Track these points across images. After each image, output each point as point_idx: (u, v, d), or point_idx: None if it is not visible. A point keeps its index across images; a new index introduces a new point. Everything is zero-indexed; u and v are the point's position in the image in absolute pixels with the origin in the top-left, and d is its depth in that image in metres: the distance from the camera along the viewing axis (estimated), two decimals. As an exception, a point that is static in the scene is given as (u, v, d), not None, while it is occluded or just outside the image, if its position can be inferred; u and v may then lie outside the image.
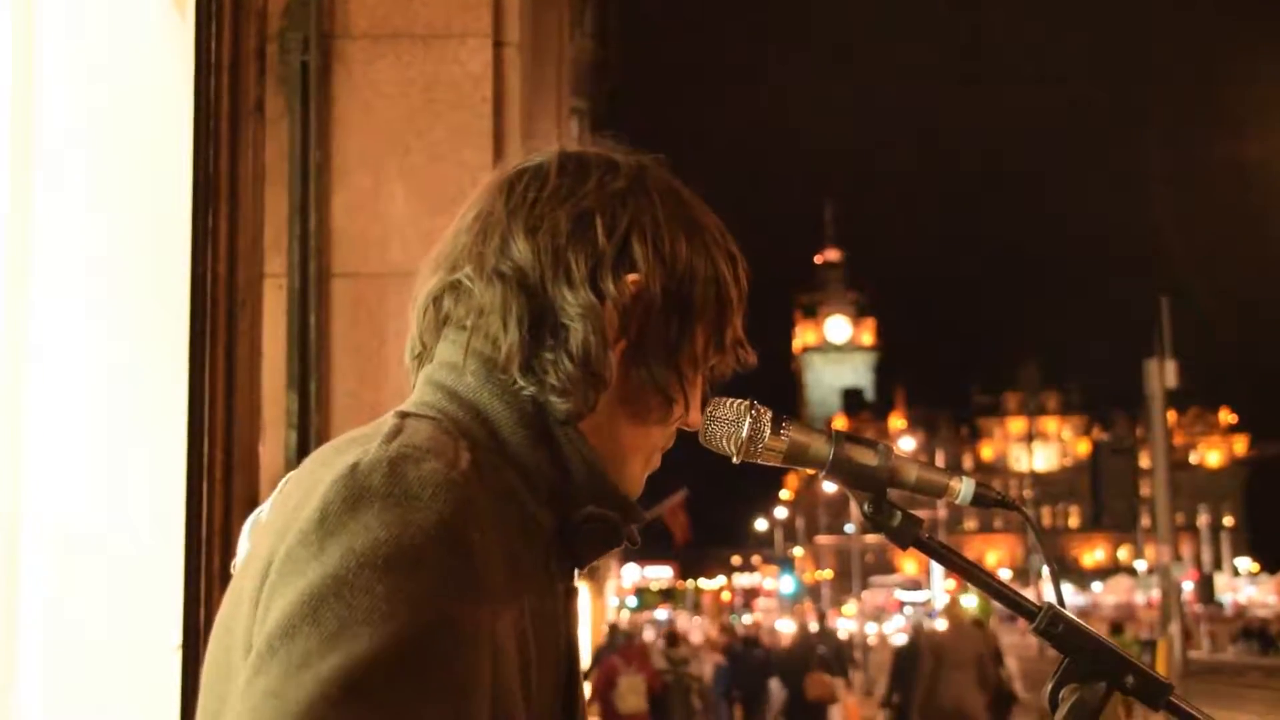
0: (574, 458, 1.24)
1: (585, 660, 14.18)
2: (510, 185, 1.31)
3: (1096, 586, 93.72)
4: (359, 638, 1.01)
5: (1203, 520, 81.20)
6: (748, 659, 17.97)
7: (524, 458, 1.23)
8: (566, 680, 1.26)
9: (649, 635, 28.61)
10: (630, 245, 1.26)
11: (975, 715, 11.16)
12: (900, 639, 21.24)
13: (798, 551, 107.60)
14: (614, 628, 17.65)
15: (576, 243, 1.25)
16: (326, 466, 1.14)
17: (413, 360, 1.34)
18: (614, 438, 1.28)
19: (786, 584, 74.71)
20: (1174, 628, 19.49)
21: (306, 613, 1.03)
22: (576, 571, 1.30)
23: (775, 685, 15.28)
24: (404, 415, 1.21)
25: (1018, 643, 22.49)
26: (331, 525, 1.07)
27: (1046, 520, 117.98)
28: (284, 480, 1.26)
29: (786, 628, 32.42)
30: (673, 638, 16.23)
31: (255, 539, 1.21)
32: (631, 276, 1.26)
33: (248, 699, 1.03)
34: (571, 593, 1.29)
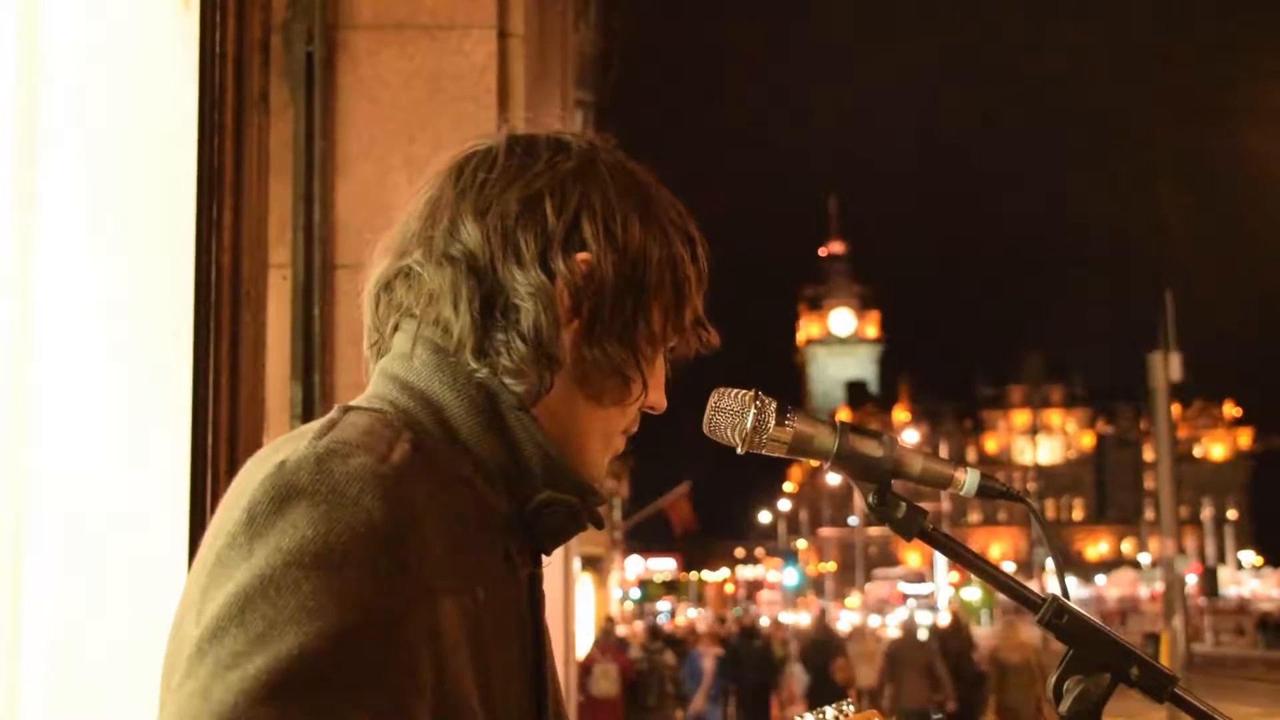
0: (527, 443, 1.24)
1: (584, 648, 15.17)
2: (459, 169, 1.30)
3: (1100, 579, 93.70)
4: (285, 637, 1.00)
5: (1207, 513, 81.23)
6: (748, 651, 17.59)
7: (476, 445, 1.22)
8: (534, 663, 1.25)
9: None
10: (580, 224, 1.25)
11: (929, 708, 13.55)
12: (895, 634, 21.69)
13: (801, 544, 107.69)
14: (609, 620, 19.41)
15: (526, 223, 1.24)
16: (261, 465, 1.14)
17: (370, 350, 1.34)
18: (571, 420, 1.28)
19: (790, 576, 74.71)
20: (1177, 621, 19.49)
21: (234, 613, 1.02)
22: (544, 556, 1.29)
23: (798, 669, 17.58)
24: (346, 409, 1.21)
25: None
26: (259, 525, 1.06)
27: (1050, 513, 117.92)
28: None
29: (789, 619, 32.54)
30: (655, 631, 19.10)
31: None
32: (582, 255, 1.25)
33: (175, 700, 1.03)
34: (536, 578, 1.28)
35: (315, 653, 1.00)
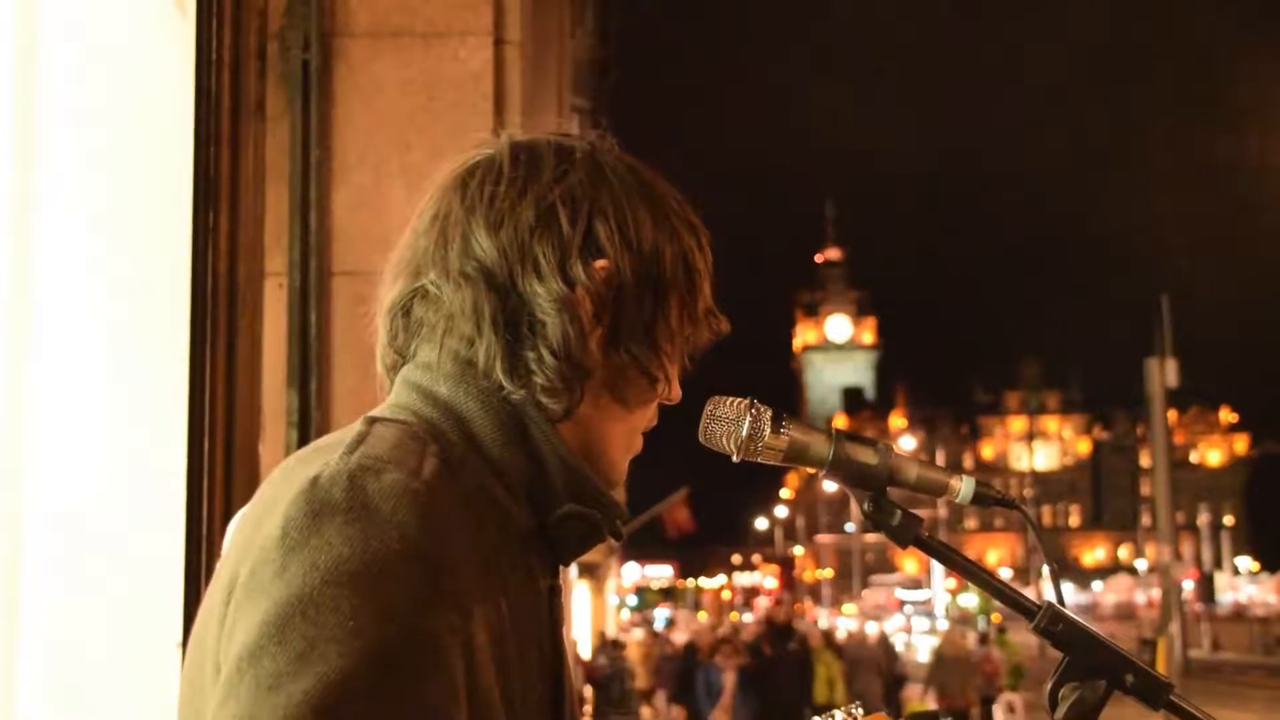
0: (550, 456, 1.23)
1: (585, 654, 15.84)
2: (464, 182, 1.28)
3: (1097, 585, 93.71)
4: (327, 657, 1.00)
5: (1203, 519, 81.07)
6: (781, 657, 13.61)
7: (500, 458, 1.21)
8: (553, 674, 1.25)
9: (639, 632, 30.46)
10: (595, 230, 1.25)
11: (873, 697, 15.60)
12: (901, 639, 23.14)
13: (798, 550, 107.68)
14: (602, 635, 21.26)
15: (541, 234, 1.23)
16: (289, 479, 1.13)
17: (388, 372, 1.31)
18: (598, 424, 1.27)
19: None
20: (1174, 627, 19.54)
21: (273, 633, 1.01)
22: (561, 568, 1.29)
23: None
24: (372, 421, 1.20)
25: (1019, 641, 22.60)
26: (293, 542, 1.05)
27: (1047, 519, 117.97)
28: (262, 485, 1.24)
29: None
30: (616, 644, 20.31)
31: (227, 548, 1.20)
32: (600, 262, 1.24)
33: None
34: (555, 590, 1.28)
35: (357, 672, 1.00)
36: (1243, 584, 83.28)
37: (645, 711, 18.08)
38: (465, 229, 1.25)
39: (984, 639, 20.43)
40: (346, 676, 1.00)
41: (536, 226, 1.23)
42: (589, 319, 1.23)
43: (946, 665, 17.17)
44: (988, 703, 18.08)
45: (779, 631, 14.23)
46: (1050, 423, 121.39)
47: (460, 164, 1.31)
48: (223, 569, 1.15)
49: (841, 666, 15.74)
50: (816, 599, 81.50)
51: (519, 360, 1.22)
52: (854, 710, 1.34)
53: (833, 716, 1.33)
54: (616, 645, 19.93)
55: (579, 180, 1.26)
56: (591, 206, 1.25)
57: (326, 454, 1.13)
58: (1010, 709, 17.53)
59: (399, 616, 1.03)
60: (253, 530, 1.12)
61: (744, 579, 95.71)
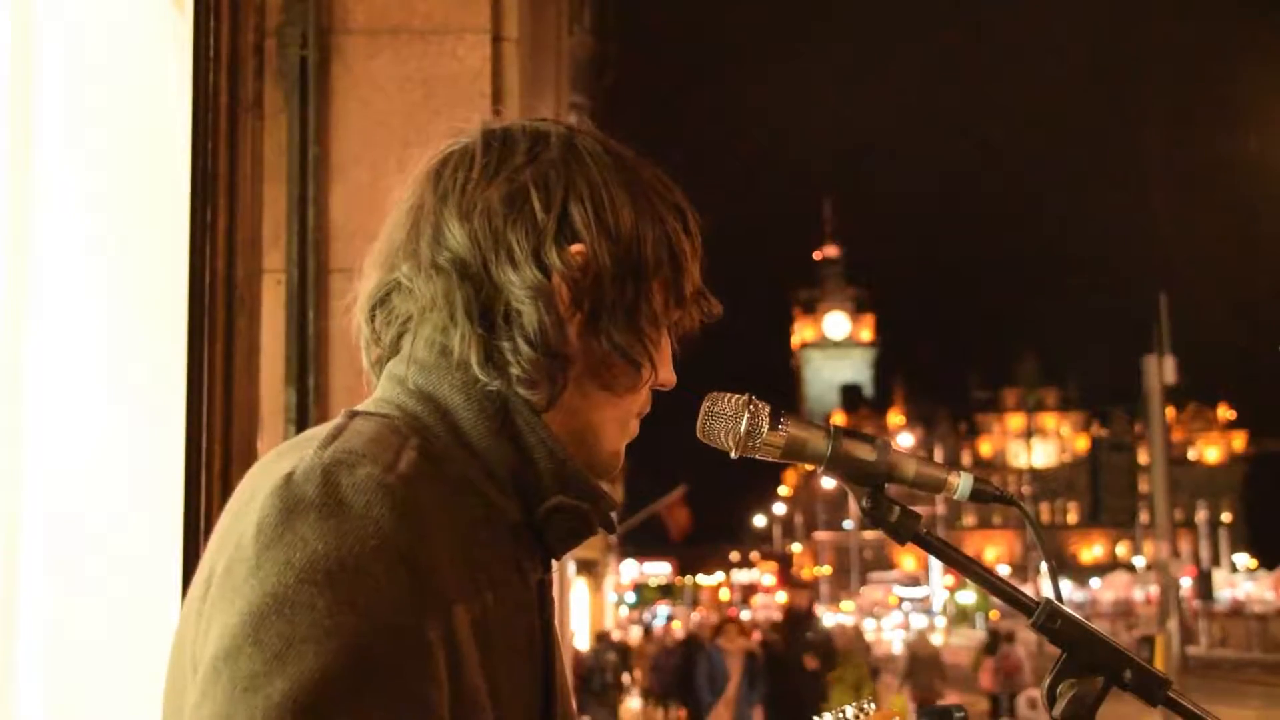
0: (537, 447, 1.21)
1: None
2: (437, 172, 1.27)
3: (1095, 582, 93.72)
4: (304, 656, 0.98)
5: (1201, 516, 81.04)
6: (798, 651, 11.56)
7: (485, 450, 1.20)
8: (544, 668, 1.24)
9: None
10: (570, 215, 1.22)
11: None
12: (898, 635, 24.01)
13: (796, 547, 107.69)
14: (604, 633, 22.21)
15: (514, 220, 1.21)
16: (266, 473, 1.11)
17: (373, 366, 1.30)
18: (586, 413, 1.25)
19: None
20: (1172, 624, 19.57)
21: (248, 632, 1.00)
22: (553, 561, 1.27)
23: None
24: (352, 415, 1.18)
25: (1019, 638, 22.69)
26: (267, 539, 1.04)
27: (1045, 516, 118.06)
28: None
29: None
30: (602, 635, 20.99)
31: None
32: (576, 247, 1.21)
33: None
34: (545, 583, 1.26)
35: (336, 671, 0.98)
36: (1240, 581, 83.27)
37: (636, 707, 18.53)
38: (437, 219, 1.23)
39: (1009, 637, 20.47)
40: (324, 676, 0.98)
41: (509, 213, 1.21)
42: (566, 306, 1.21)
43: (921, 663, 18.64)
44: (1010, 698, 18.95)
45: (795, 619, 12.51)
46: (1048, 420, 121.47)
47: (436, 154, 1.30)
48: (203, 564, 1.14)
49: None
50: (815, 596, 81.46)
51: (495, 351, 1.19)
52: (865, 706, 1.34)
53: (843, 712, 1.33)
54: (601, 638, 20.23)
55: (552, 164, 1.24)
56: (566, 191, 1.22)
57: (303, 448, 1.12)
58: (1032, 705, 18.15)
59: (376, 614, 1.02)
60: (229, 524, 1.11)
61: (742, 576, 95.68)
